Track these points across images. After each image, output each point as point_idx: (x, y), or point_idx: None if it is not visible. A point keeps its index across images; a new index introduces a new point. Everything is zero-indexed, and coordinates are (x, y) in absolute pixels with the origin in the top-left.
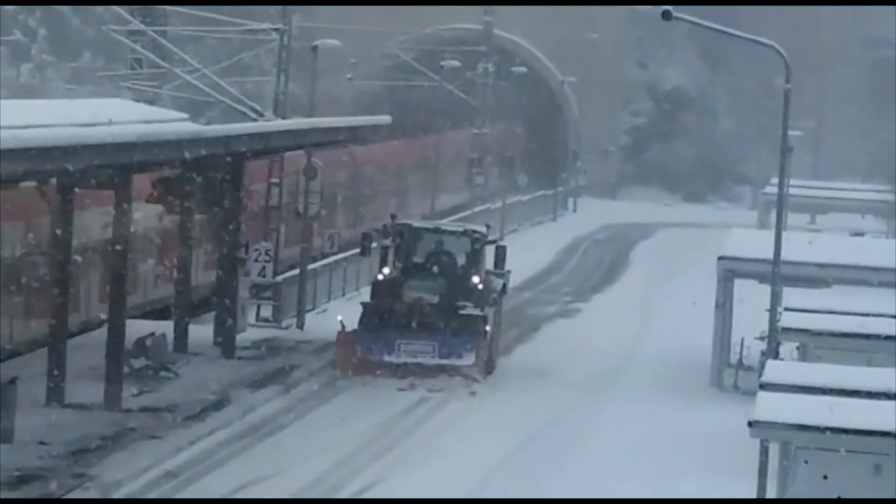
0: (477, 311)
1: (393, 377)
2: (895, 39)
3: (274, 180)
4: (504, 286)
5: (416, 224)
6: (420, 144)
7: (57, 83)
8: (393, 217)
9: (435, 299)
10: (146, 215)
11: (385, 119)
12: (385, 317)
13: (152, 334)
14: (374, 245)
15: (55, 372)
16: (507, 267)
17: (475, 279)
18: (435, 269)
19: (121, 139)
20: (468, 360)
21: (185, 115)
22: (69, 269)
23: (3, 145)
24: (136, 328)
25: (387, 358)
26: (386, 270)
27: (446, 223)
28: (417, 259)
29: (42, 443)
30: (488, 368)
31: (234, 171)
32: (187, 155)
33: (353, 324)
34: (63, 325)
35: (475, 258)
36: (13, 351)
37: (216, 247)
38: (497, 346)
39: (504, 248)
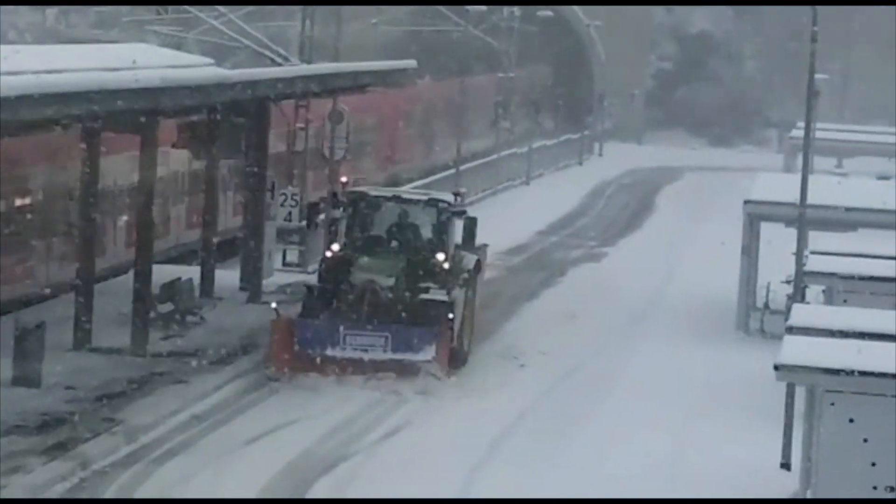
0: (441, 296)
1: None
2: None
3: (300, 125)
4: (478, 263)
5: (371, 192)
6: (445, 88)
7: (82, 28)
8: (344, 184)
9: (390, 281)
10: (178, 160)
11: (411, 63)
12: (330, 302)
13: (179, 279)
14: (321, 217)
15: (82, 317)
16: (486, 241)
17: (440, 256)
18: (393, 245)
19: (146, 84)
20: (426, 354)
21: (211, 60)
22: (95, 214)
23: (29, 90)
24: (162, 273)
25: (330, 352)
26: (335, 247)
27: (408, 190)
28: (372, 233)
29: (69, 387)
30: (457, 362)
31: (260, 116)
32: (213, 100)
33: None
34: (90, 270)
35: (441, 232)
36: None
37: (242, 192)
38: (471, 334)
39: (474, 220)
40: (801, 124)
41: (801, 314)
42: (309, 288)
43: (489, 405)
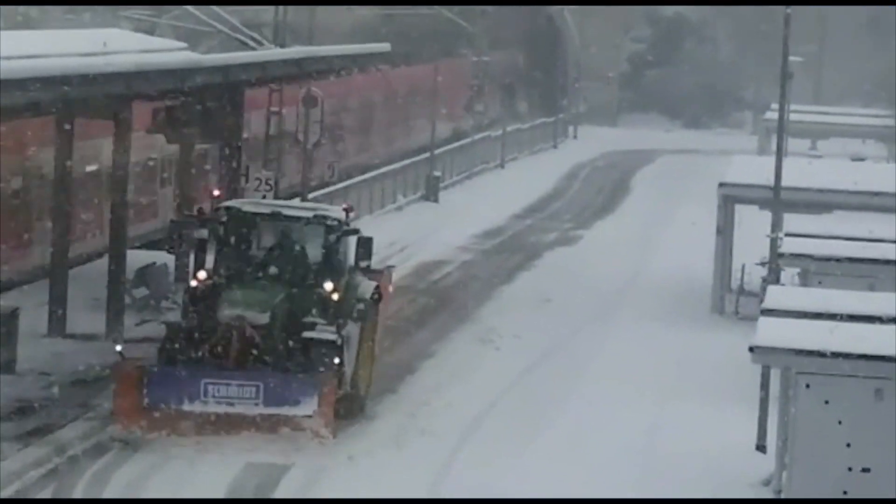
0: (327, 334)
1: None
2: None
3: (274, 109)
4: (378, 290)
5: (244, 208)
6: (420, 72)
7: (55, 12)
8: (216, 197)
9: (265, 318)
10: (160, 144)
11: (384, 47)
12: (195, 343)
13: (153, 264)
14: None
15: (56, 303)
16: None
17: (328, 286)
18: (271, 271)
19: (119, 69)
20: (307, 408)
21: (184, 45)
22: (69, 199)
23: (3, 76)
24: (137, 259)
25: (187, 407)
26: (201, 274)
27: (291, 205)
28: (247, 257)
29: (43, 373)
30: (353, 412)
31: (234, 101)
32: (186, 84)
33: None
34: (63, 256)
35: (330, 255)
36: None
37: (217, 175)
38: (370, 377)
39: (370, 240)
40: (776, 106)
41: (775, 296)
42: (169, 325)
43: (468, 388)
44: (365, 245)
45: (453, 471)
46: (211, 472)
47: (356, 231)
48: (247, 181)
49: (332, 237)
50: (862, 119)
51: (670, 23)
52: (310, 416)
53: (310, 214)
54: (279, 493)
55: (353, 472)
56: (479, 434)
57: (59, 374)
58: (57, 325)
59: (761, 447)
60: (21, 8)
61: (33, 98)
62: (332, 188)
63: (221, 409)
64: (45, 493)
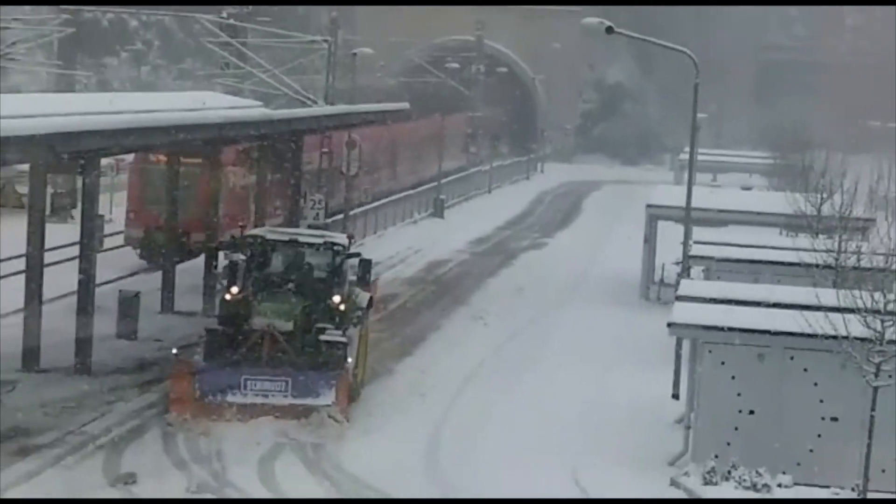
0: (337, 336)
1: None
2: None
3: (325, 150)
4: (370, 300)
5: (268, 235)
6: (431, 123)
7: (167, 80)
8: (242, 226)
9: (289, 325)
10: (244, 175)
11: (404, 105)
12: (231, 345)
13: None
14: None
15: (167, 287)
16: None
17: (336, 299)
18: (290, 287)
19: (213, 120)
20: (327, 399)
21: (260, 103)
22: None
23: (132, 125)
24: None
25: (231, 398)
26: (234, 289)
27: (305, 233)
28: (270, 276)
29: (157, 340)
30: (352, 397)
31: (296, 143)
32: (261, 132)
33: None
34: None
35: (336, 273)
36: None
37: (282, 198)
38: (364, 369)
39: (369, 262)
40: (687, 149)
41: (686, 287)
42: (210, 331)
43: (464, 352)
44: (365, 265)
45: (456, 406)
46: (246, 445)
47: (358, 254)
48: (304, 202)
49: (338, 259)
50: (750, 159)
51: (613, 89)
52: (329, 406)
53: (320, 241)
54: (306, 454)
55: (373, 422)
56: (473, 384)
57: (168, 341)
58: (167, 304)
59: (675, 396)
60: (142, 77)
61: (150, 142)
62: (366, 207)
63: (259, 399)
64: (159, 427)
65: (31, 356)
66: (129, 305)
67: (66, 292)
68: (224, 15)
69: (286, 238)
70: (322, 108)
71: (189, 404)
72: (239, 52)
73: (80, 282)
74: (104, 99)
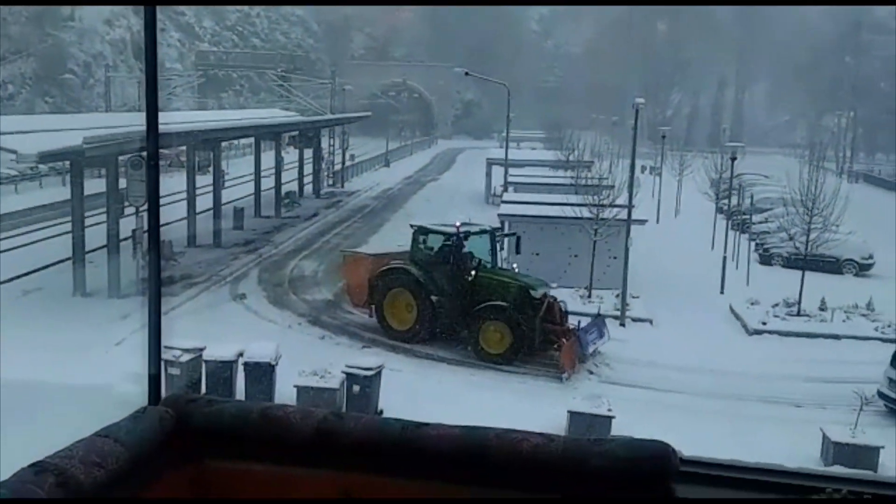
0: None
1: None
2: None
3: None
4: None
5: None
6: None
7: (251, 103)
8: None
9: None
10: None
11: (368, 113)
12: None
13: (291, 192)
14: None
15: (257, 202)
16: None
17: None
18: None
19: (273, 122)
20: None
21: (297, 114)
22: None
23: (231, 125)
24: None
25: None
26: None
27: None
28: None
29: (252, 229)
30: None
31: (317, 134)
32: (298, 128)
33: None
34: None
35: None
36: None
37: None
38: None
39: None
40: (504, 132)
41: (507, 197)
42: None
43: (402, 230)
44: None
45: None
46: None
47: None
48: (323, 164)
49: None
50: (536, 134)
51: (468, 101)
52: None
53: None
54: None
55: None
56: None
57: (259, 230)
58: (257, 211)
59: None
60: (240, 102)
61: (240, 134)
62: (349, 164)
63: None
64: (256, 270)
65: (191, 239)
66: (238, 213)
67: (206, 208)
68: (280, 71)
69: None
70: (328, 116)
71: (573, 361)
72: (286, 89)
73: (214, 201)
74: (223, 114)
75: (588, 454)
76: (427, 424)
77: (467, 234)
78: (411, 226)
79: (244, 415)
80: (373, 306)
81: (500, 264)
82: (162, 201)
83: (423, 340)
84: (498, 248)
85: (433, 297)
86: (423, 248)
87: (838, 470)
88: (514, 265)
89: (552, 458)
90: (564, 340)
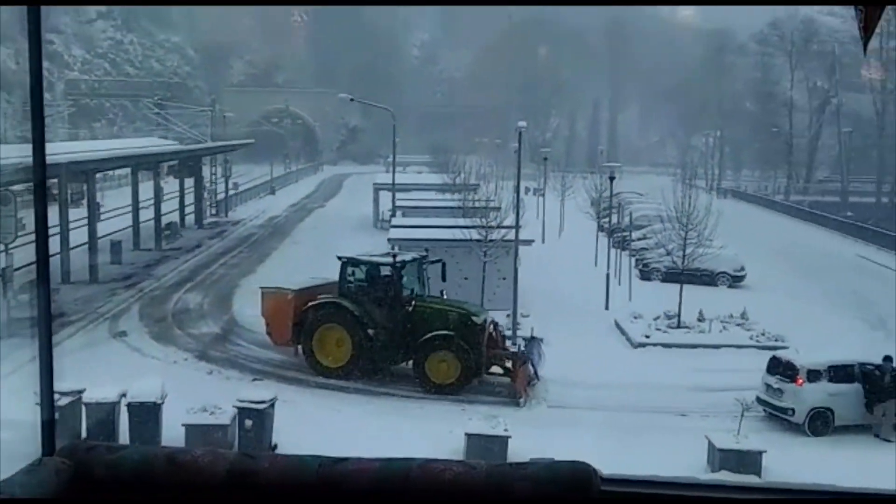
0: None
1: None
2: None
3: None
4: None
5: None
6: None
7: (128, 132)
8: None
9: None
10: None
11: (251, 141)
12: None
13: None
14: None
15: (136, 235)
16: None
17: None
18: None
19: (151, 151)
20: None
21: (177, 142)
22: None
23: (106, 156)
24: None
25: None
26: None
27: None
28: None
29: (131, 263)
30: None
31: (198, 161)
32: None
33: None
34: None
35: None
36: None
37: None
38: None
39: None
40: (391, 157)
41: (396, 221)
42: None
43: (289, 259)
44: None
45: None
46: None
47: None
48: (206, 193)
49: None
50: (421, 159)
51: (353, 128)
52: None
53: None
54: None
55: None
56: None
57: (137, 264)
58: (136, 244)
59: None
60: (114, 131)
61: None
62: (238, 191)
63: None
64: (132, 308)
65: (65, 276)
66: (116, 246)
67: (81, 243)
68: (157, 99)
69: None
70: (208, 144)
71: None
72: (164, 117)
73: (89, 235)
74: (97, 145)
75: (511, 478)
76: (345, 459)
77: (404, 263)
78: (339, 258)
79: (149, 461)
80: (299, 345)
81: (428, 292)
82: (30, 237)
83: (358, 377)
84: (425, 275)
85: (370, 331)
86: (354, 281)
87: (753, 480)
88: (443, 292)
89: (476, 486)
90: (510, 365)
